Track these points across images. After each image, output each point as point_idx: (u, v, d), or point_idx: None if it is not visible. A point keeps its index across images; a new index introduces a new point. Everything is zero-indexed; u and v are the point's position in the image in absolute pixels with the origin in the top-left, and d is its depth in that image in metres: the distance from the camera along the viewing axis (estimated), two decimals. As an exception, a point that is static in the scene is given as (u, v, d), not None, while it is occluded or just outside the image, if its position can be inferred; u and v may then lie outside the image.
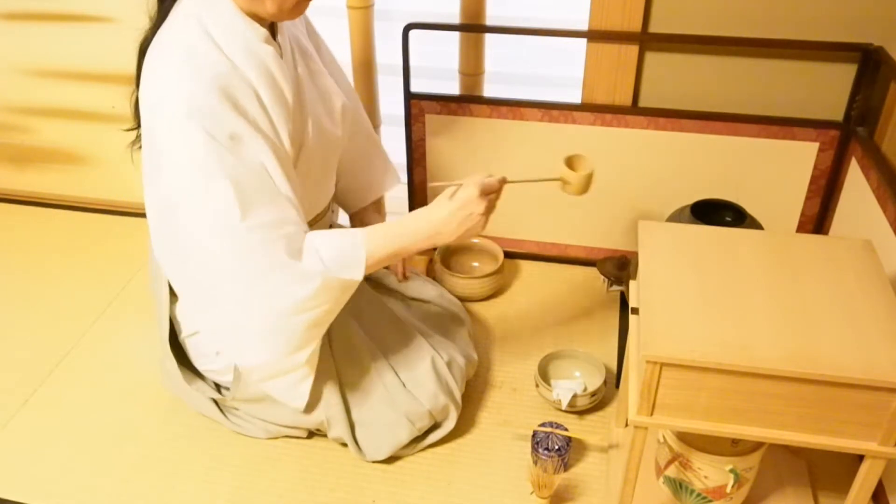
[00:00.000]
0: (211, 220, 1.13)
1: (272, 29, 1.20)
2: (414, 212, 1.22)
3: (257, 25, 1.16)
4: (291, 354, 1.22)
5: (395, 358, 1.37)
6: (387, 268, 1.59)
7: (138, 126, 1.30)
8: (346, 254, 1.18)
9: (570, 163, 1.26)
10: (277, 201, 1.15)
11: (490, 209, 1.20)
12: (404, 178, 1.83)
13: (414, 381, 1.36)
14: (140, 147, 1.31)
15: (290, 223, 1.15)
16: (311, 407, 1.33)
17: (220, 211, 1.11)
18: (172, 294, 1.35)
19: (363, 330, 1.37)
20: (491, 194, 1.20)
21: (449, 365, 1.40)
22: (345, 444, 1.38)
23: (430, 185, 1.34)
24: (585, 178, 1.24)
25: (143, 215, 2.10)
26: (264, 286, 1.15)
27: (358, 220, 1.62)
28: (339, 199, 1.59)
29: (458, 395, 1.40)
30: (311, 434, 1.43)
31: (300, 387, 1.28)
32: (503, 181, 1.22)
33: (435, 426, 1.39)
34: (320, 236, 1.18)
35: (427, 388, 1.35)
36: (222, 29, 1.13)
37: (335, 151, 1.41)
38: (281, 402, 1.31)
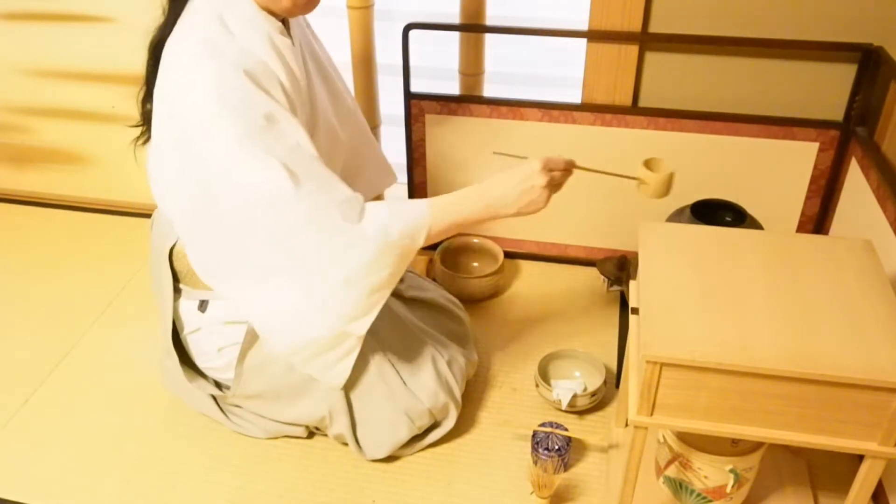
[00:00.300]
0: (263, 198, 1.13)
1: (285, 25, 1.24)
2: (476, 184, 1.22)
3: (273, 19, 1.19)
4: (350, 323, 1.21)
5: (395, 356, 1.37)
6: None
7: (143, 123, 1.30)
8: (409, 221, 1.18)
9: (649, 166, 1.27)
10: (323, 173, 1.16)
11: (553, 185, 1.20)
12: (403, 178, 1.83)
13: (414, 380, 1.36)
14: (143, 143, 1.32)
15: (341, 191, 1.17)
16: (314, 402, 1.34)
17: (271, 189, 1.12)
18: (176, 291, 1.35)
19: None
20: (554, 171, 1.20)
21: (449, 364, 1.40)
22: (345, 444, 1.38)
23: (494, 152, 1.34)
24: (665, 178, 1.25)
25: (142, 215, 2.12)
26: (324, 254, 1.16)
27: None
28: None
29: (458, 395, 1.40)
30: (311, 434, 1.43)
31: (342, 363, 1.27)
32: (570, 163, 1.23)
33: (435, 425, 1.39)
34: (384, 204, 1.20)
35: (427, 386, 1.36)
36: (241, 22, 1.16)
37: (340, 153, 1.42)
38: (298, 391, 1.32)
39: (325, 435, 1.42)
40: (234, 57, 1.13)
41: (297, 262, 1.17)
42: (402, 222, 1.18)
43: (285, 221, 1.15)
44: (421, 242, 1.20)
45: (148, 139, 1.31)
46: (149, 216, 2.08)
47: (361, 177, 1.58)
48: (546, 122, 1.72)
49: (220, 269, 1.26)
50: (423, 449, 1.39)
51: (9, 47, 1.97)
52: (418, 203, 1.20)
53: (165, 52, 1.18)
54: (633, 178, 1.27)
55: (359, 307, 1.20)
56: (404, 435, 1.35)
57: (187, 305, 1.35)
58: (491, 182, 1.21)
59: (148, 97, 1.27)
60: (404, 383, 1.36)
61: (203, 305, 1.33)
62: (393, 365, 1.36)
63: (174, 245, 1.33)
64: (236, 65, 1.12)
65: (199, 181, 1.18)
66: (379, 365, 1.35)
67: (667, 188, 1.26)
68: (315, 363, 1.26)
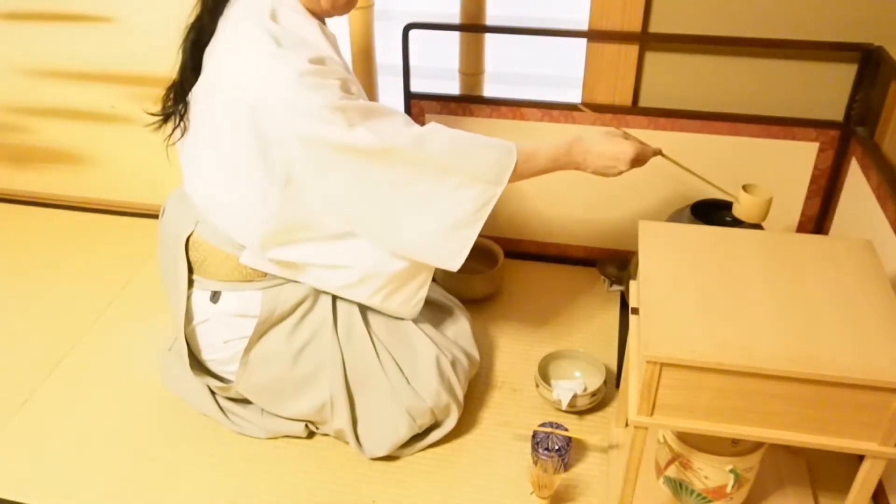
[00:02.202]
0: (354, 164, 1.19)
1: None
2: (574, 136, 1.30)
3: (315, 18, 1.28)
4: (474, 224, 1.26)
5: (399, 355, 1.37)
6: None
7: (170, 117, 1.31)
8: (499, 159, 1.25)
9: (748, 191, 1.35)
10: (401, 118, 1.23)
11: (631, 167, 1.30)
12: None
13: (417, 379, 1.36)
14: (175, 140, 1.33)
15: (409, 124, 1.24)
16: (316, 396, 1.35)
17: (359, 157, 1.18)
18: (189, 284, 1.36)
19: (367, 329, 1.37)
20: (638, 164, 1.31)
21: (453, 364, 1.40)
22: (345, 441, 1.38)
23: (580, 105, 1.46)
24: (761, 203, 1.32)
25: (142, 215, 2.12)
26: (440, 189, 1.22)
27: None
28: None
29: (460, 395, 1.40)
30: (311, 434, 1.43)
31: (420, 293, 1.36)
32: (657, 151, 1.34)
33: (435, 425, 1.40)
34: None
35: (430, 385, 1.36)
36: (294, 17, 1.24)
37: None
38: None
39: (325, 434, 1.42)
40: (299, 48, 1.19)
41: (382, 199, 1.23)
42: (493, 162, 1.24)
43: (400, 173, 1.21)
44: (508, 174, 1.25)
45: (182, 134, 1.32)
46: (149, 216, 2.11)
47: None
48: (546, 122, 1.72)
49: (348, 227, 1.29)
50: (423, 449, 1.39)
51: (9, 47, 1.97)
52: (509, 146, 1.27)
53: (220, 51, 1.23)
54: (729, 195, 1.38)
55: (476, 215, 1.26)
56: (405, 433, 1.35)
57: (199, 296, 1.35)
58: (584, 136, 1.30)
59: (180, 95, 1.29)
60: (407, 382, 1.36)
61: (215, 296, 1.34)
62: (396, 363, 1.36)
63: (191, 235, 1.33)
64: (306, 53, 1.18)
65: (292, 157, 1.20)
66: (382, 363, 1.35)
67: (761, 213, 1.34)
68: (402, 292, 1.34)
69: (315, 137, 1.17)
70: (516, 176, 1.26)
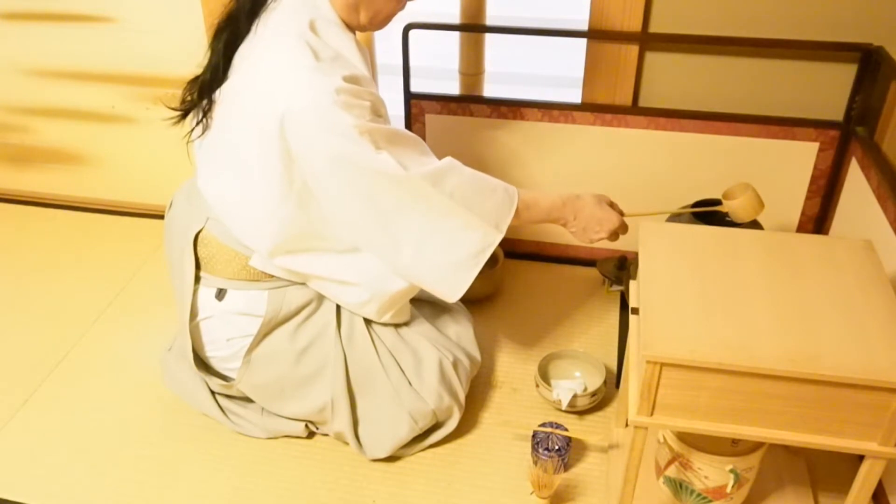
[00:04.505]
0: (377, 188, 1.20)
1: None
2: (572, 193, 1.37)
3: (350, 32, 1.29)
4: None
5: (401, 357, 1.37)
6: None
7: (189, 112, 1.31)
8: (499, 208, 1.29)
9: (728, 195, 1.40)
10: (416, 143, 1.26)
11: (608, 237, 1.38)
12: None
13: (419, 380, 1.36)
14: (196, 137, 1.33)
15: (430, 154, 1.27)
16: (318, 396, 1.35)
17: (383, 181, 1.19)
18: (196, 280, 1.36)
19: (370, 330, 1.37)
20: (614, 238, 1.39)
21: (454, 366, 1.40)
22: (345, 443, 1.38)
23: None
24: (745, 202, 1.36)
25: (143, 215, 2.12)
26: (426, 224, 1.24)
27: None
28: None
29: (462, 396, 1.40)
30: (311, 434, 1.43)
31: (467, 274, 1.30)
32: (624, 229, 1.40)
33: (437, 425, 1.40)
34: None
35: (432, 387, 1.36)
36: (329, 29, 1.25)
37: None
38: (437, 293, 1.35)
39: (325, 434, 1.42)
40: (335, 63, 1.20)
41: (391, 225, 1.24)
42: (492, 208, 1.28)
43: (407, 200, 1.22)
44: (508, 221, 1.29)
45: (203, 132, 1.32)
46: (149, 216, 2.11)
47: None
48: (546, 122, 1.72)
49: (356, 242, 1.30)
50: (423, 449, 1.39)
51: (9, 47, 1.97)
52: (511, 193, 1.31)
53: (256, 56, 1.23)
54: (724, 209, 1.40)
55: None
56: (406, 435, 1.35)
57: (205, 293, 1.35)
58: (582, 195, 1.37)
59: (207, 92, 1.29)
60: (409, 383, 1.36)
61: (221, 294, 1.34)
62: (398, 365, 1.36)
63: (200, 231, 1.33)
64: (340, 69, 1.19)
65: (312, 172, 1.21)
66: (384, 364, 1.35)
67: (750, 208, 1.37)
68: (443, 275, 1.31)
69: (342, 156, 1.17)
70: (515, 221, 1.30)
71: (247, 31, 1.26)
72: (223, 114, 1.28)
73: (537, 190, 1.34)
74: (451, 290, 1.28)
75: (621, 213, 1.39)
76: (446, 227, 1.24)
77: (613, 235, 1.38)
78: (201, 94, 1.29)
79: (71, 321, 1.74)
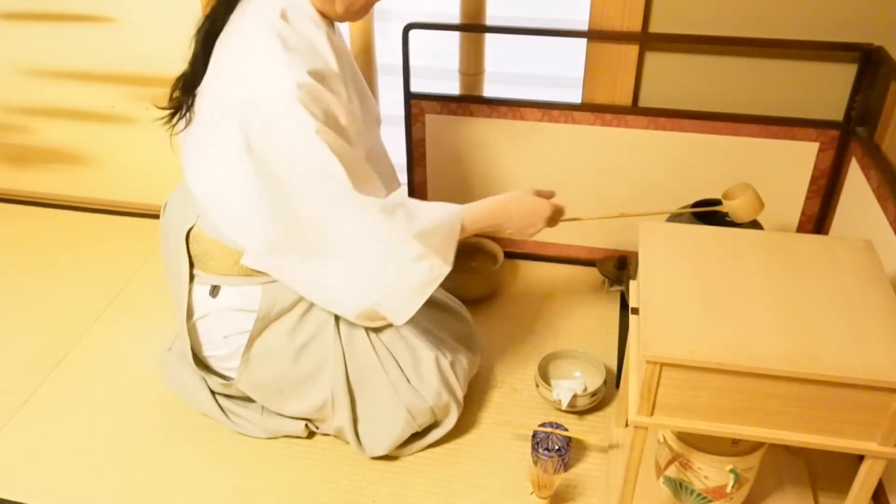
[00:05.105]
0: (327, 192, 1.20)
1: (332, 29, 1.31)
2: (505, 200, 1.35)
3: (325, 21, 1.27)
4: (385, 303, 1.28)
5: (399, 355, 1.37)
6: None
7: (179, 110, 1.32)
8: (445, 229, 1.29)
9: (728, 196, 1.41)
10: (369, 173, 1.26)
11: (547, 225, 1.37)
12: (404, 178, 1.83)
13: (418, 378, 1.36)
14: (179, 130, 1.33)
15: (382, 189, 1.27)
16: (317, 393, 1.35)
17: (334, 185, 1.19)
18: (191, 278, 1.36)
19: (368, 328, 1.37)
20: (553, 224, 1.38)
21: (452, 365, 1.40)
22: (345, 441, 1.38)
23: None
24: (745, 202, 1.37)
25: (142, 215, 2.12)
26: (368, 245, 1.24)
27: None
28: None
29: (460, 395, 1.40)
30: (311, 434, 1.43)
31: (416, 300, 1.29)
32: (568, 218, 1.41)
33: (435, 424, 1.40)
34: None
35: (431, 385, 1.36)
36: (304, 20, 1.23)
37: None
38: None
39: (326, 434, 1.42)
40: (306, 55, 1.19)
41: (345, 246, 1.24)
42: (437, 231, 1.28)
43: (348, 217, 1.22)
44: (454, 250, 1.29)
45: (186, 125, 1.33)
46: (149, 216, 2.11)
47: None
48: (546, 122, 1.72)
49: (285, 244, 1.28)
50: (423, 449, 1.39)
51: (9, 47, 1.97)
52: (454, 214, 1.31)
53: (229, 45, 1.24)
54: (724, 210, 1.41)
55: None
56: (405, 432, 1.35)
57: (199, 291, 1.35)
58: (501, 200, 1.35)
59: (190, 86, 1.29)
60: (408, 381, 1.36)
61: (215, 291, 1.34)
62: (397, 362, 1.36)
63: (192, 228, 1.33)
64: (309, 64, 1.18)
65: (262, 173, 1.21)
66: (383, 362, 1.35)
67: (749, 208, 1.38)
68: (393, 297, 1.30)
69: (295, 152, 1.17)
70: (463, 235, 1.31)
71: (225, 21, 1.26)
72: (203, 107, 1.28)
73: (474, 211, 1.33)
74: (399, 313, 1.27)
75: (551, 196, 1.38)
76: (395, 259, 1.24)
77: (551, 222, 1.37)
78: (185, 88, 1.30)
79: (71, 321, 1.74)
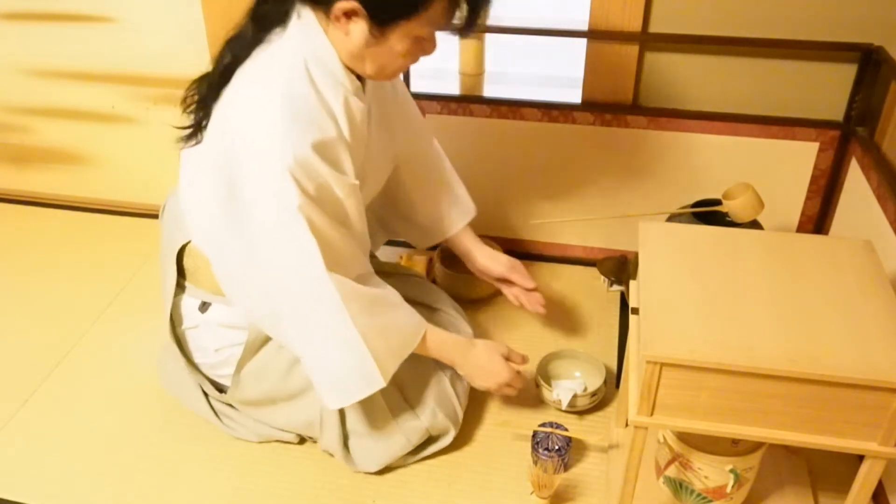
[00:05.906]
0: (294, 264, 1.15)
1: (362, 83, 1.23)
2: (471, 344, 1.36)
3: (353, 77, 1.19)
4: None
5: (397, 372, 1.35)
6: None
7: (193, 129, 1.27)
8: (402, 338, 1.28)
9: (728, 196, 1.41)
10: (356, 255, 1.23)
11: (499, 392, 1.37)
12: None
13: (414, 397, 1.35)
14: (185, 147, 1.29)
15: (363, 266, 1.25)
16: (308, 409, 1.34)
17: (304, 262, 1.14)
18: (180, 287, 1.35)
19: None
20: (511, 391, 1.38)
21: (452, 382, 1.39)
22: (330, 455, 1.37)
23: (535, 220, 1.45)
24: (745, 202, 1.38)
25: (142, 215, 2.12)
26: (321, 332, 1.20)
27: (451, 243, 1.59)
28: (420, 235, 1.58)
29: (459, 413, 1.39)
30: (303, 440, 1.42)
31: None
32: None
33: (431, 439, 1.38)
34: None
35: (427, 405, 1.35)
36: (325, 79, 1.16)
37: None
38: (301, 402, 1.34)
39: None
40: (314, 125, 1.13)
41: (308, 326, 1.20)
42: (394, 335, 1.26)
43: (307, 294, 1.18)
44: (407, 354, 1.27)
45: (195, 144, 1.28)
46: (149, 216, 2.11)
47: (434, 214, 1.55)
48: (546, 122, 1.72)
49: (241, 290, 1.27)
50: (417, 461, 1.38)
51: (9, 47, 1.97)
52: (419, 329, 1.29)
53: (248, 80, 1.17)
54: (724, 210, 1.41)
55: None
56: (398, 452, 1.33)
57: (189, 302, 1.35)
58: (475, 342, 1.37)
59: (203, 108, 1.23)
60: (404, 399, 1.35)
61: (204, 307, 1.33)
62: (393, 380, 1.34)
63: (187, 243, 1.32)
64: (314, 136, 1.12)
65: (240, 221, 1.18)
66: None
67: (750, 208, 1.38)
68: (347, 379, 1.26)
69: (271, 218, 1.14)
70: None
71: (247, 55, 1.19)
72: (208, 130, 1.24)
73: (439, 333, 1.33)
74: (331, 398, 1.23)
75: (521, 362, 1.38)
76: (333, 342, 1.19)
77: (507, 388, 1.36)
78: (197, 110, 1.25)
79: (71, 321, 1.74)
